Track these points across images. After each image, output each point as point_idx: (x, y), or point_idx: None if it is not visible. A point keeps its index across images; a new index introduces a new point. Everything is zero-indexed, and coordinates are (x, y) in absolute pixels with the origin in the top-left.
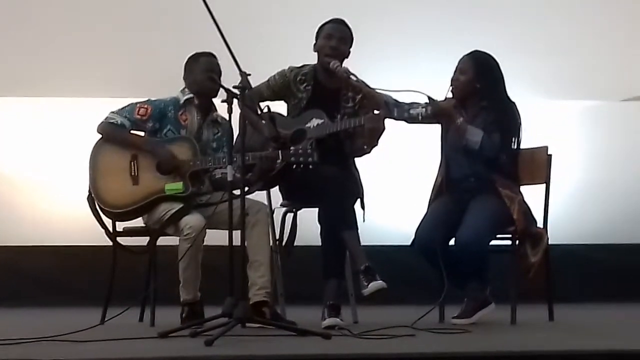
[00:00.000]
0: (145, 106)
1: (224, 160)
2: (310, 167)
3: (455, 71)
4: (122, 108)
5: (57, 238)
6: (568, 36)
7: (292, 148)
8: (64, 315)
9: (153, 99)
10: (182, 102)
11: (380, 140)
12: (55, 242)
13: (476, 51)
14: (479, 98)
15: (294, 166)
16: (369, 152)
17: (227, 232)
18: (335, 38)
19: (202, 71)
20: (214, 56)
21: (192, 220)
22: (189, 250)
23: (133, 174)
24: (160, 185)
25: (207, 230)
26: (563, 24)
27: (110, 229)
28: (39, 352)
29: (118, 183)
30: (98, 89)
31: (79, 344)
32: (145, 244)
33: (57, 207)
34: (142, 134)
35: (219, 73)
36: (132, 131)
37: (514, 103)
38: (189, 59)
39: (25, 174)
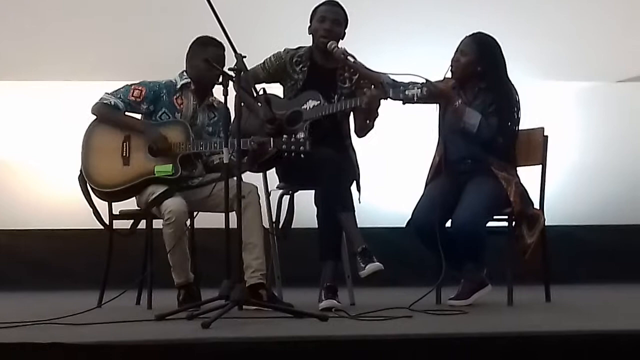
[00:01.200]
0: (140, 88)
1: (215, 145)
2: (302, 156)
3: (455, 52)
4: (117, 89)
5: (53, 221)
6: (564, 18)
7: (284, 136)
8: (61, 298)
9: (148, 80)
10: (178, 86)
11: (379, 111)
12: (51, 225)
13: (479, 33)
14: (478, 80)
15: (286, 154)
16: (373, 127)
17: (222, 214)
18: (329, 20)
19: (206, 60)
20: (222, 47)
21: (172, 204)
22: (172, 234)
23: (124, 154)
24: (150, 166)
25: (203, 212)
26: (559, 5)
27: (106, 211)
28: (36, 335)
29: (109, 163)
30: (92, 73)
31: (76, 326)
32: (140, 226)
33: (53, 190)
34: (137, 116)
35: (223, 66)
36: (126, 113)
37: (513, 86)
38: (197, 42)
39: (20, 157)
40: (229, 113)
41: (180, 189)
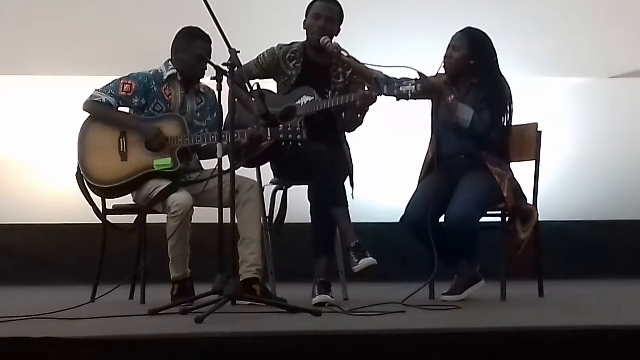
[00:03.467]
0: (129, 82)
1: (212, 137)
2: (300, 145)
3: (448, 48)
4: (107, 85)
5: (47, 216)
6: (557, 14)
7: (281, 126)
8: (55, 293)
9: (136, 73)
10: (165, 77)
11: (370, 108)
12: (45, 220)
13: (470, 28)
14: (471, 75)
15: (283, 144)
16: (362, 122)
17: (217, 209)
18: (323, 18)
19: (194, 56)
20: (209, 40)
21: (179, 198)
22: (177, 228)
23: (122, 150)
24: (149, 161)
25: (198, 208)
26: (552, 1)
27: (100, 207)
28: (30, 329)
29: (107, 159)
30: (82, 67)
31: (69, 321)
32: (134, 222)
33: (47, 185)
34: (128, 110)
35: (210, 56)
36: (119, 108)
37: (505, 80)
38: (184, 34)
39: (14, 152)
40: (221, 107)
41: (182, 184)
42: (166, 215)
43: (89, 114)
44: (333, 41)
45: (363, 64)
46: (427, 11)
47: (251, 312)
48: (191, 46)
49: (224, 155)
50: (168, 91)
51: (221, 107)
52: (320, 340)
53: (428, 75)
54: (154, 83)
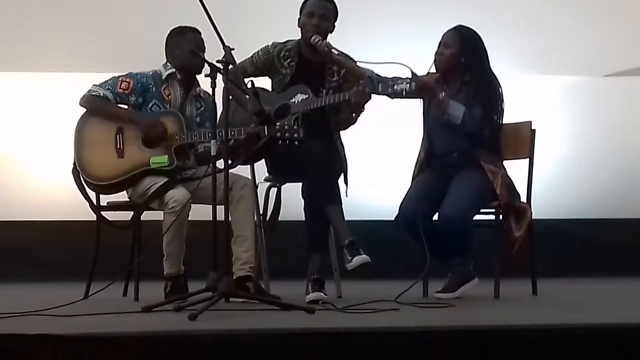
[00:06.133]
0: (127, 80)
1: (209, 134)
2: (296, 142)
3: (439, 46)
4: (105, 81)
5: (40, 213)
6: (551, 12)
7: (278, 123)
8: (48, 289)
9: (134, 72)
10: (164, 76)
11: (365, 107)
12: (38, 216)
13: (460, 26)
14: (461, 72)
15: (280, 142)
16: (355, 122)
17: (211, 206)
18: (317, 16)
19: (188, 48)
20: (198, 32)
21: (177, 194)
22: (174, 224)
23: (118, 147)
24: (145, 158)
25: (193, 205)
26: None
27: (95, 202)
28: (22, 326)
29: (103, 156)
30: (77, 63)
31: (62, 318)
32: (128, 218)
33: (41, 182)
34: (125, 107)
35: (204, 49)
36: (117, 103)
37: (495, 77)
38: (173, 32)
39: (8, 148)
40: (216, 105)
41: (178, 181)
42: (161, 212)
43: (85, 109)
44: (326, 39)
45: (355, 61)
46: (420, 9)
47: (244, 310)
48: (183, 40)
49: (219, 158)
50: (167, 91)
51: (216, 104)
52: (313, 337)
53: (420, 73)
54: (153, 83)
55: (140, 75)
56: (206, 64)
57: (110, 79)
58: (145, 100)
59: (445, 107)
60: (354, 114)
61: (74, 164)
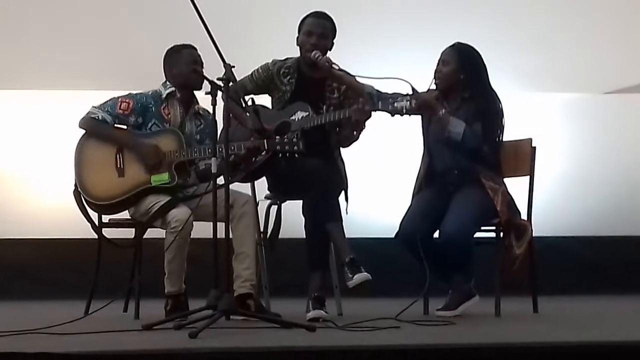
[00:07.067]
0: (127, 100)
1: (209, 150)
2: (296, 156)
3: (438, 63)
4: (104, 102)
5: (41, 231)
6: (551, 29)
7: (277, 137)
8: (49, 307)
9: (134, 92)
10: (164, 95)
11: (366, 124)
12: (39, 234)
13: (458, 43)
14: (461, 89)
15: (280, 155)
16: (358, 139)
17: (212, 224)
18: (316, 35)
19: (187, 63)
20: (194, 48)
21: (179, 213)
22: (175, 243)
23: (119, 166)
24: (146, 176)
25: (194, 222)
26: (546, 16)
27: (96, 222)
28: (23, 344)
29: (104, 176)
30: (78, 81)
31: (63, 336)
32: (130, 236)
33: (42, 200)
34: (125, 127)
35: (202, 64)
36: (115, 125)
37: (495, 93)
38: (169, 51)
39: (9, 166)
40: (216, 122)
41: (180, 199)
42: (162, 230)
43: (84, 131)
44: (326, 55)
45: (355, 76)
46: (420, 26)
47: (245, 327)
48: (180, 57)
49: (220, 175)
50: (167, 110)
51: (216, 122)
52: (314, 355)
53: (420, 90)
54: (152, 102)
55: (140, 95)
56: (207, 82)
57: (109, 100)
58: (145, 120)
59: (445, 124)
60: (354, 132)
61: (75, 185)
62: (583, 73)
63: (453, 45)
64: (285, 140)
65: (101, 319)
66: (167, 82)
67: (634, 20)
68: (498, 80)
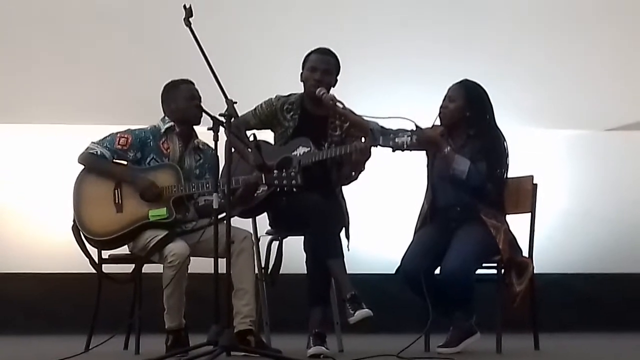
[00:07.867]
0: (126, 136)
1: (207, 185)
2: (295, 190)
3: (444, 99)
4: (103, 138)
5: (42, 265)
6: (553, 65)
7: (275, 171)
8: (49, 343)
9: (133, 128)
10: (162, 130)
11: (366, 165)
12: (40, 269)
13: (466, 80)
14: (467, 126)
15: (279, 190)
16: (357, 179)
17: (212, 259)
18: (320, 71)
19: (185, 98)
20: (192, 83)
21: (176, 247)
22: (173, 278)
23: (117, 201)
24: (144, 212)
25: (193, 257)
26: (548, 53)
27: (95, 258)
28: None
29: (102, 211)
30: (82, 116)
31: None
32: (129, 271)
33: (42, 234)
34: (124, 162)
35: (200, 99)
36: (114, 160)
37: (500, 132)
38: (167, 87)
39: (9, 200)
40: (217, 158)
41: (179, 234)
42: (162, 265)
43: (83, 166)
44: (330, 92)
45: (359, 115)
46: (423, 63)
47: None
48: (177, 92)
49: (222, 211)
50: (166, 145)
51: (217, 157)
52: None
53: (424, 126)
54: (151, 137)
55: (139, 130)
56: (209, 117)
57: (108, 136)
58: (143, 154)
59: (450, 162)
60: (354, 172)
61: (74, 221)
62: (584, 110)
63: (460, 81)
64: (284, 174)
65: (102, 354)
66: (166, 117)
67: (635, 57)
68: (499, 116)
